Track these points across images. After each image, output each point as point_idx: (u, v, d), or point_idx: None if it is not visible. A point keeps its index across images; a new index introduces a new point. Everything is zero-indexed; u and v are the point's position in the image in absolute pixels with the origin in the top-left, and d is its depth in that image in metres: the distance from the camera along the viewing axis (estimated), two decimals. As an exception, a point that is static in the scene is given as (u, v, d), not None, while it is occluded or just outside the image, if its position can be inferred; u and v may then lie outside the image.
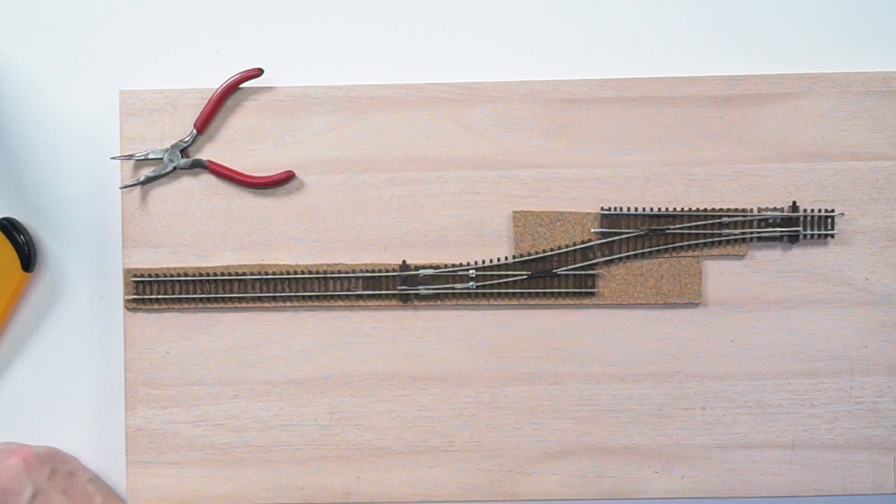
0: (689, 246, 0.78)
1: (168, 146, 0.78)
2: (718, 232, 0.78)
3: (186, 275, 0.78)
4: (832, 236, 0.78)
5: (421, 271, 0.78)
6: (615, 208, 0.78)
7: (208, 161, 0.78)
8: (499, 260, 0.78)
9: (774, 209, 0.78)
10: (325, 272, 0.78)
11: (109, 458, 0.80)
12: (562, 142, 0.79)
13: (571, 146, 0.79)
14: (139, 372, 0.78)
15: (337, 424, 0.78)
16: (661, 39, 0.81)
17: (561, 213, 0.78)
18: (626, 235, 0.78)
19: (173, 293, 0.78)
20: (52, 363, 0.80)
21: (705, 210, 0.78)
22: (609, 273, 0.78)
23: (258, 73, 0.78)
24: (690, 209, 0.78)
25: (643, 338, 0.79)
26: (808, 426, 0.78)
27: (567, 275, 0.78)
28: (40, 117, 0.80)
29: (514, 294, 0.78)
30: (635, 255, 0.78)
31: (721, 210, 0.78)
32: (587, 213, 0.78)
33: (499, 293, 0.78)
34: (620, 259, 0.78)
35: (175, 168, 0.78)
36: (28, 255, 0.78)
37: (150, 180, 0.78)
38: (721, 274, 0.79)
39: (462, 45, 0.81)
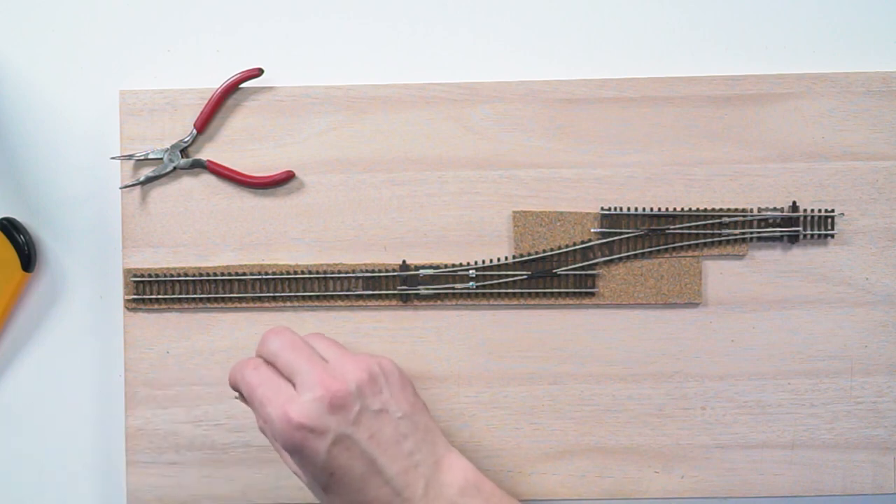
0: (689, 246, 0.78)
1: (168, 146, 0.78)
2: (718, 232, 0.78)
3: (186, 275, 0.78)
4: (832, 236, 0.78)
5: (421, 271, 0.78)
6: (615, 208, 0.78)
7: (208, 161, 0.78)
8: (499, 260, 0.78)
9: (774, 209, 0.78)
10: (325, 272, 0.78)
11: (109, 458, 0.80)
12: (562, 142, 0.79)
13: (571, 146, 0.79)
14: (139, 372, 0.78)
15: (337, 424, 0.78)
16: (661, 39, 0.81)
17: (561, 213, 0.78)
18: (626, 235, 0.78)
19: (173, 293, 0.78)
20: (52, 363, 0.80)
21: (705, 210, 0.78)
22: (609, 273, 0.78)
23: (258, 73, 0.78)
24: (690, 209, 0.78)
25: (643, 338, 0.79)
26: (808, 426, 0.78)
27: (567, 275, 0.78)
28: (40, 117, 0.80)
29: (514, 294, 0.78)
30: (635, 255, 0.78)
31: (721, 210, 0.78)
32: (587, 213, 0.78)
33: (499, 293, 0.78)
34: (620, 259, 0.78)
35: (175, 168, 0.78)
36: (28, 255, 0.78)
37: (150, 180, 0.78)
38: (721, 274, 0.79)
39: (462, 45, 0.81)
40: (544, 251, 0.78)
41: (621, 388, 0.78)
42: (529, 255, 0.78)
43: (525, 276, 0.78)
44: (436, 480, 0.64)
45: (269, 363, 0.66)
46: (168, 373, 0.78)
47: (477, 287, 0.78)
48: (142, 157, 0.78)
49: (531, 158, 0.79)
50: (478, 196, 0.79)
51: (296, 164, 0.78)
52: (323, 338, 0.68)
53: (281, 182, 0.78)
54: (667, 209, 0.78)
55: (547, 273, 0.78)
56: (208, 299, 0.78)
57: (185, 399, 0.78)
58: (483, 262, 0.78)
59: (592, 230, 0.78)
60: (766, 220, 0.78)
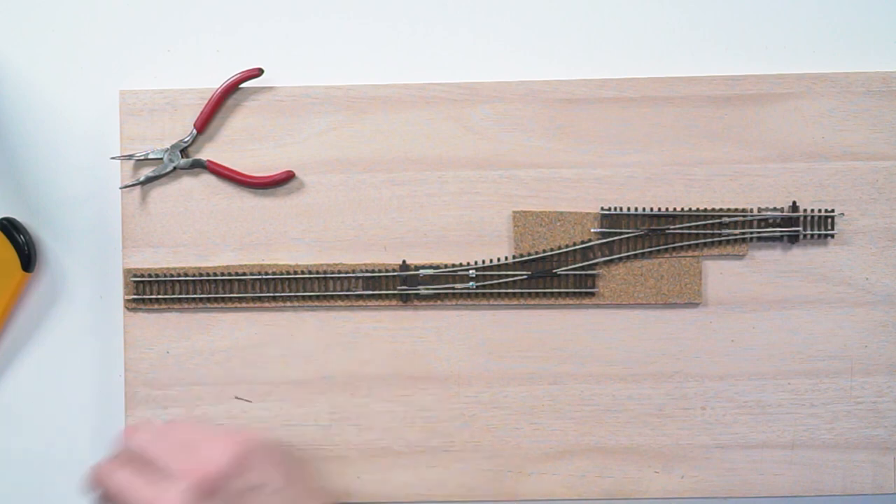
0: (689, 246, 0.78)
1: (168, 146, 0.78)
2: (718, 232, 0.78)
3: (186, 275, 0.78)
4: (832, 236, 0.78)
5: (421, 271, 0.78)
6: (615, 208, 0.78)
7: (208, 161, 0.78)
8: (499, 260, 0.78)
9: (774, 209, 0.78)
10: (325, 272, 0.78)
11: (109, 458, 0.80)
12: (562, 142, 0.79)
13: (571, 146, 0.79)
14: (139, 372, 0.78)
15: (337, 424, 0.78)
16: (661, 39, 0.81)
17: (561, 213, 0.78)
18: (626, 235, 0.78)
19: (173, 293, 0.78)
20: (52, 363, 0.80)
21: (705, 210, 0.78)
22: (609, 273, 0.78)
23: (258, 73, 0.78)
24: (690, 209, 0.78)
25: (643, 338, 0.79)
26: (808, 426, 0.78)
27: (567, 275, 0.78)
28: (40, 117, 0.80)
29: (514, 294, 0.78)
30: (635, 255, 0.78)
31: (721, 210, 0.78)
32: (587, 213, 0.78)
33: (499, 293, 0.78)
34: (620, 259, 0.78)
35: (175, 168, 0.78)
36: (28, 255, 0.78)
37: (150, 180, 0.78)
38: (721, 274, 0.79)
39: (462, 45, 0.81)
40: (544, 251, 0.78)
41: (621, 388, 0.78)
42: (529, 255, 0.78)
43: (525, 276, 0.78)
44: None
45: (135, 460, 0.67)
46: (168, 373, 0.78)
47: (477, 287, 0.78)
48: (142, 157, 0.78)
49: (531, 158, 0.79)
50: (478, 196, 0.79)
51: (296, 164, 0.78)
52: (186, 423, 0.71)
53: (281, 182, 0.78)
54: (667, 209, 0.78)
55: (547, 273, 0.78)
56: (208, 299, 0.78)
57: (185, 399, 0.78)
58: (483, 262, 0.78)
59: (592, 230, 0.78)
60: (766, 220, 0.78)
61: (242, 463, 0.65)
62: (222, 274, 0.78)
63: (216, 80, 0.78)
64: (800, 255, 0.79)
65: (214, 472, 0.63)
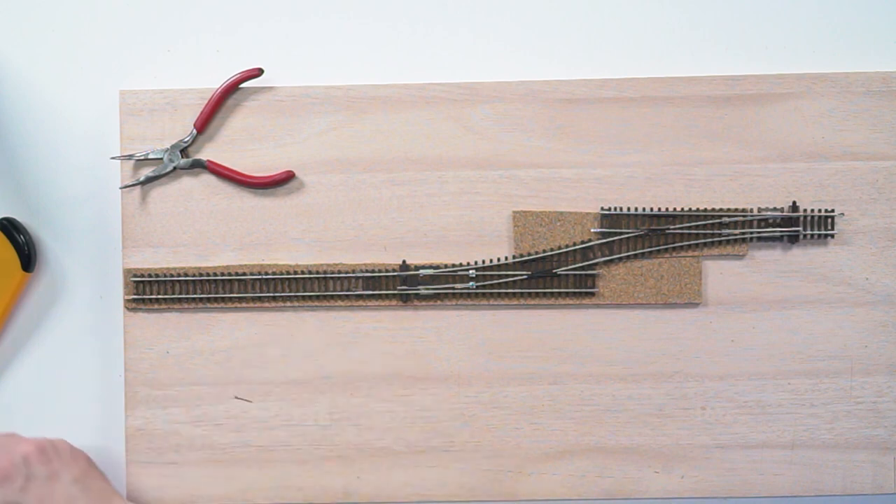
0: (689, 246, 0.78)
1: (168, 146, 0.78)
2: (718, 232, 0.78)
3: (186, 275, 0.78)
4: (832, 236, 0.78)
5: (421, 271, 0.78)
6: (615, 208, 0.78)
7: (208, 161, 0.78)
8: (499, 260, 0.78)
9: (774, 209, 0.78)
10: (325, 272, 0.78)
11: (109, 458, 0.80)
12: (562, 142, 0.79)
13: (571, 146, 0.79)
14: (139, 372, 0.78)
15: (337, 424, 0.78)
16: (661, 39, 0.81)
17: (561, 213, 0.78)
18: (626, 235, 0.78)
19: (173, 293, 0.78)
20: (52, 363, 0.80)
21: (705, 210, 0.78)
22: (609, 273, 0.78)
23: (258, 73, 0.78)
24: (690, 209, 0.78)
25: (643, 338, 0.79)
26: (808, 426, 0.78)
27: (567, 275, 0.78)
28: (40, 117, 0.80)
29: (514, 294, 0.78)
30: (635, 255, 0.78)
31: (721, 210, 0.78)
32: (587, 213, 0.78)
33: (499, 293, 0.78)
34: (620, 259, 0.78)
35: (175, 168, 0.78)
36: (28, 255, 0.78)
37: (150, 180, 0.78)
38: (721, 274, 0.79)
39: (462, 45, 0.81)
40: (544, 251, 0.78)
41: (621, 388, 0.78)
42: (529, 255, 0.78)
43: (525, 276, 0.78)
44: None
45: None
46: (168, 373, 0.78)
47: (477, 287, 0.78)
48: (142, 157, 0.78)
49: (531, 158, 0.79)
50: (478, 196, 0.79)
51: (296, 164, 0.78)
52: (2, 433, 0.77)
53: (281, 182, 0.78)
54: (667, 209, 0.78)
55: (547, 273, 0.78)
56: (208, 299, 0.78)
57: (185, 399, 0.78)
58: (483, 262, 0.78)
59: (592, 230, 0.78)
60: (766, 220, 0.78)
61: (41, 455, 0.73)
62: (222, 274, 0.78)
63: (216, 80, 0.78)
64: (800, 255, 0.79)
65: (8, 461, 0.72)
